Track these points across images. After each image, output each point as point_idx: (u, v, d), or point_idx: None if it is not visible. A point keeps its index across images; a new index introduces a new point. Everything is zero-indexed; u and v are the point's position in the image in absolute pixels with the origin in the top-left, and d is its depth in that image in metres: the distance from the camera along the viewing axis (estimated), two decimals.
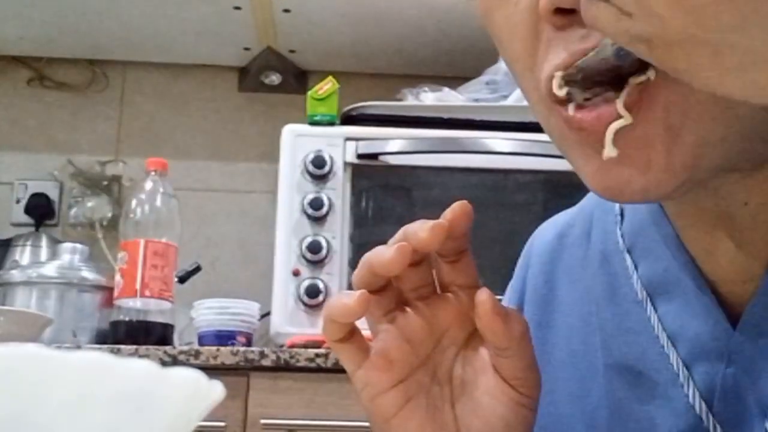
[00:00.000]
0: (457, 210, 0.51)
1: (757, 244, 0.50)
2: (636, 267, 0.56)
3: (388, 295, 0.54)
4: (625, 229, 0.58)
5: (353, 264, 1.70)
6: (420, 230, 0.50)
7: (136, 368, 0.28)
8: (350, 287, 0.54)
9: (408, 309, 0.54)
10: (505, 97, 1.87)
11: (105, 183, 2.20)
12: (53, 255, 1.90)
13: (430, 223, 0.50)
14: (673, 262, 0.54)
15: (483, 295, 0.51)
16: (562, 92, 0.43)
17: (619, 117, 0.42)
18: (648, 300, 0.55)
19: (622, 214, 0.59)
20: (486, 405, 0.53)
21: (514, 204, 1.79)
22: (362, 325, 0.53)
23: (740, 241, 0.50)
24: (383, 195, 1.82)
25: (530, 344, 0.53)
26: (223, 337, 1.73)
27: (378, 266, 0.51)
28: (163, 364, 0.29)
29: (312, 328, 1.65)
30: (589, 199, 0.64)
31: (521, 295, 0.67)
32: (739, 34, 0.32)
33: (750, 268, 0.50)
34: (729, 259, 0.51)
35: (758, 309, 0.49)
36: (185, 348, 1.57)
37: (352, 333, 0.53)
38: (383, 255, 0.50)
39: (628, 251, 0.57)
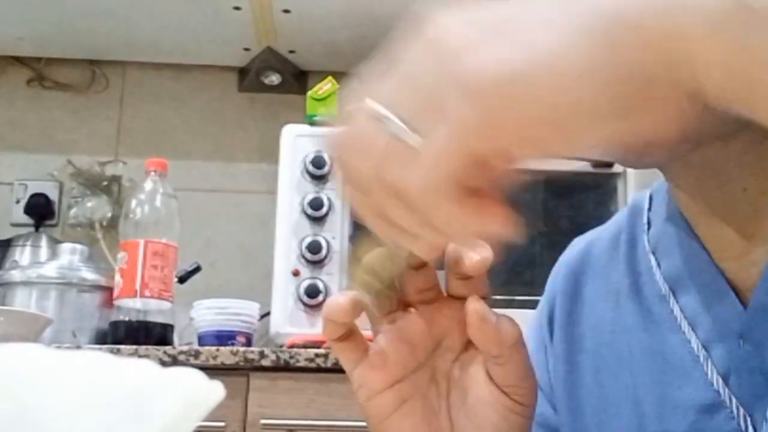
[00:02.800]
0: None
1: (759, 232, 0.54)
2: (659, 265, 0.60)
3: (389, 296, 0.54)
4: (651, 235, 0.62)
5: (353, 264, 1.70)
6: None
7: (136, 368, 0.28)
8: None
9: (410, 310, 0.54)
10: None
11: (105, 183, 2.20)
12: (53, 255, 1.90)
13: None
14: (689, 256, 0.58)
15: (473, 303, 0.51)
16: None
17: None
18: (670, 293, 0.58)
19: (649, 223, 0.63)
20: (479, 412, 0.54)
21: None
22: (366, 325, 0.54)
23: (744, 232, 0.55)
24: None
25: (524, 352, 0.54)
26: (223, 337, 1.73)
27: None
28: (163, 364, 0.29)
29: (312, 328, 1.65)
30: (616, 220, 0.68)
31: (552, 302, 0.69)
32: None
33: (755, 254, 0.54)
34: (736, 247, 0.55)
35: (763, 292, 0.53)
36: (185, 348, 1.57)
37: (351, 332, 0.53)
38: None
39: (653, 252, 0.61)
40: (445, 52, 0.37)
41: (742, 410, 0.53)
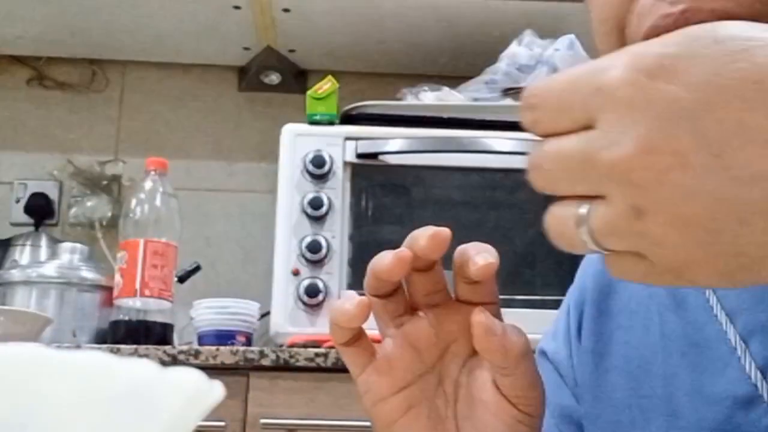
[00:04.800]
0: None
1: None
2: None
3: (397, 299, 0.54)
4: None
5: (353, 263, 1.69)
6: (420, 237, 0.50)
7: (136, 368, 0.28)
8: (349, 287, 0.54)
9: (418, 315, 0.54)
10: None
11: (105, 183, 2.20)
12: (53, 255, 1.90)
13: (431, 230, 0.50)
14: None
15: (478, 315, 0.51)
16: None
17: None
18: None
19: None
20: (486, 421, 0.53)
21: (514, 203, 1.79)
22: (373, 324, 0.54)
23: None
24: (383, 194, 1.82)
25: (531, 362, 0.53)
26: (223, 337, 1.73)
27: (379, 272, 0.51)
28: (163, 363, 0.29)
29: (312, 328, 1.65)
30: None
31: (583, 296, 0.67)
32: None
33: None
34: None
35: None
36: (185, 348, 1.57)
37: (358, 337, 0.53)
38: (384, 261, 0.50)
39: None
40: None
41: None
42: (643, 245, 0.35)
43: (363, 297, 0.51)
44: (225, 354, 1.55)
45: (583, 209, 0.36)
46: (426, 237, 0.49)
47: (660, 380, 0.58)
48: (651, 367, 0.59)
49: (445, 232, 0.50)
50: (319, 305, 1.66)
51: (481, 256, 0.50)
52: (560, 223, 0.37)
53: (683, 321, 0.57)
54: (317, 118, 1.80)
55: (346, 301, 0.51)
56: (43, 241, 2.09)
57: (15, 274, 1.79)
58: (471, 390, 0.54)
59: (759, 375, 0.52)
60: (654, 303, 0.60)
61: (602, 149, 0.34)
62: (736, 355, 0.53)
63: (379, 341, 0.54)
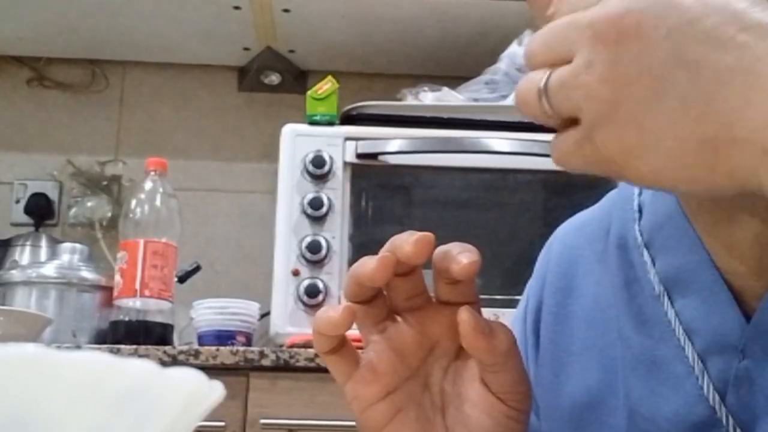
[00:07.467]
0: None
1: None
2: (653, 262, 0.56)
3: (378, 305, 0.54)
4: (643, 225, 0.58)
5: (353, 264, 1.69)
6: (405, 243, 0.50)
7: (136, 368, 0.28)
8: None
9: (399, 319, 0.54)
10: (505, 97, 1.87)
11: (105, 183, 2.20)
12: (53, 255, 1.90)
13: (416, 235, 0.50)
14: (690, 258, 0.54)
15: (464, 313, 0.51)
16: None
17: None
18: (665, 294, 0.55)
19: (640, 211, 0.59)
20: (474, 418, 0.53)
21: (514, 204, 1.79)
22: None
23: (748, 264, 0.51)
24: (383, 195, 1.82)
25: (518, 358, 0.53)
26: (223, 337, 1.73)
27: (362, 277, 0.51)
28: (163, 364, 0.29)
29: (312, 328, 1.65)
30: (608, 198, 0.65)
31: (541, 292, 0.66)
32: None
33: (766, 261, 0.51)
34: (747, 250, 0.51)
35: None
36: (185, 348, 1.57)
37: (342, 344, 0.53)
38: (367, 266, 0.51)
39: (646, 246, 0.57)
40: None
41: (738, 430, 0.50)
42: (580, 97, 0.40)
43: (348, 304, 0.51)
44: (225, 354, 1.55)
45: (547, 74, 0.42)
46: (412, 242, 0.50)
47: (621, 399, 0.56)
48: (612, 384, 0.57)
49: (430, 236, 0.50)
50: (319, 306, 1.66)
51: (464, 255, 0.50)
52: (526, 89, 0.43)
53: (642, 336, 0.55)
54: (317, 118, 1.80)
55: (330, 309, 0.51)
56: (43, 242, 2.09)
57: (15, 275, 1.79)
58: (458, 389, 0.54)
59: (717, 398, 0.51)
60: (613, 315, 0.58)
61: (588, 13, 0.40)
62: (694, 375, 0.52)
63: (359, 341, 0.54)
